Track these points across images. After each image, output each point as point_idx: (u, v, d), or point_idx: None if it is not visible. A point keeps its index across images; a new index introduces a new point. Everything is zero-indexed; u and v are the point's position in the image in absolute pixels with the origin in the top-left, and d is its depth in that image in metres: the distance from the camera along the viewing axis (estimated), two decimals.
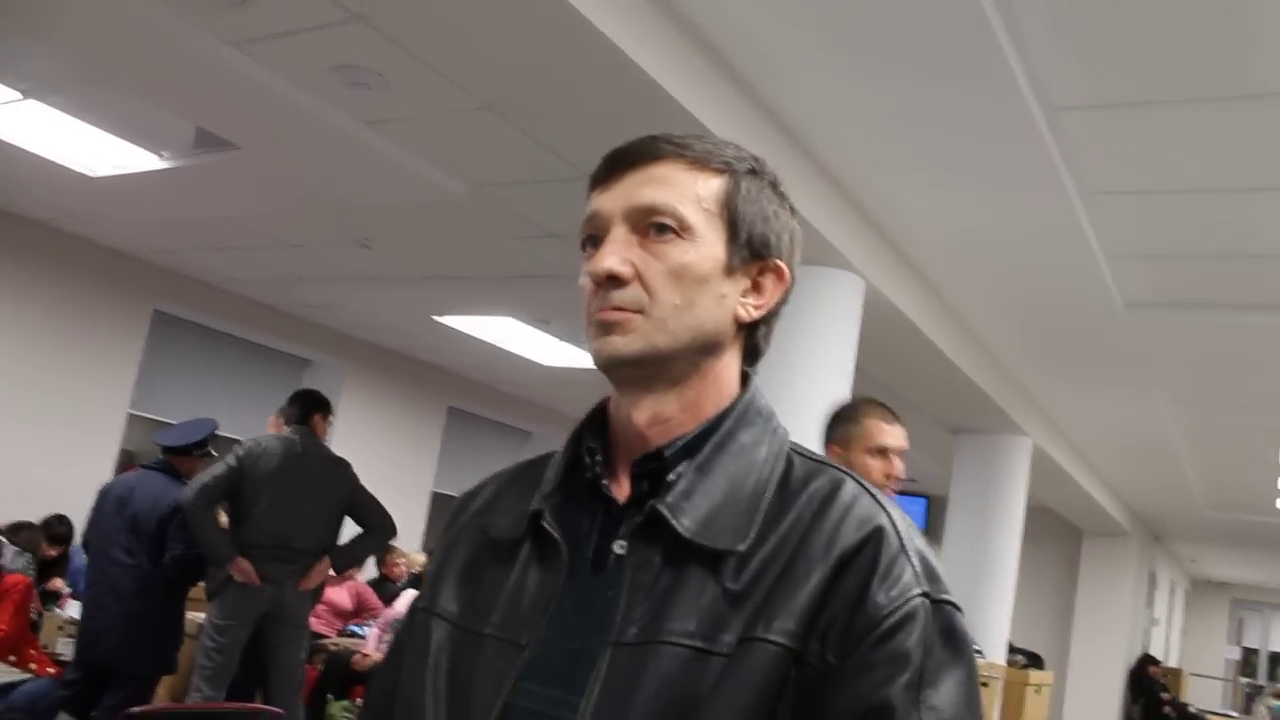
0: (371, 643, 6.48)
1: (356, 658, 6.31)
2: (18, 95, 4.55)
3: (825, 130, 3.78)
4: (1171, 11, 2.85)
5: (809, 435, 4.20)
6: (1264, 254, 4.40)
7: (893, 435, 2.78)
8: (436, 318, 7.62)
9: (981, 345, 6.16)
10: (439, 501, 10.35)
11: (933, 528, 12.94)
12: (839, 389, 4.38)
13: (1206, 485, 9.99)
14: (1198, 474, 9.49)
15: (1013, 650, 8.50)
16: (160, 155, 5.02)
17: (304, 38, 3.51)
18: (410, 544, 9.01)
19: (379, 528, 5.25)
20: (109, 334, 7.26)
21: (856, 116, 3.65)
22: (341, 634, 6.99)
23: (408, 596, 6.70)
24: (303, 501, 4.94)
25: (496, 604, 1.05)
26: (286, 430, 5.13)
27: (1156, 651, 15.23)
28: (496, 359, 8.80)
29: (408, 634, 1.16)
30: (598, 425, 1.11)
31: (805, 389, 4.24)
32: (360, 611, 7.27)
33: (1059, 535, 12.64)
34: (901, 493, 10.56)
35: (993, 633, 7.37)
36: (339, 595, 7.11)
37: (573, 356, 8.34)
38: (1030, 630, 11.61)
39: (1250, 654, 21.46)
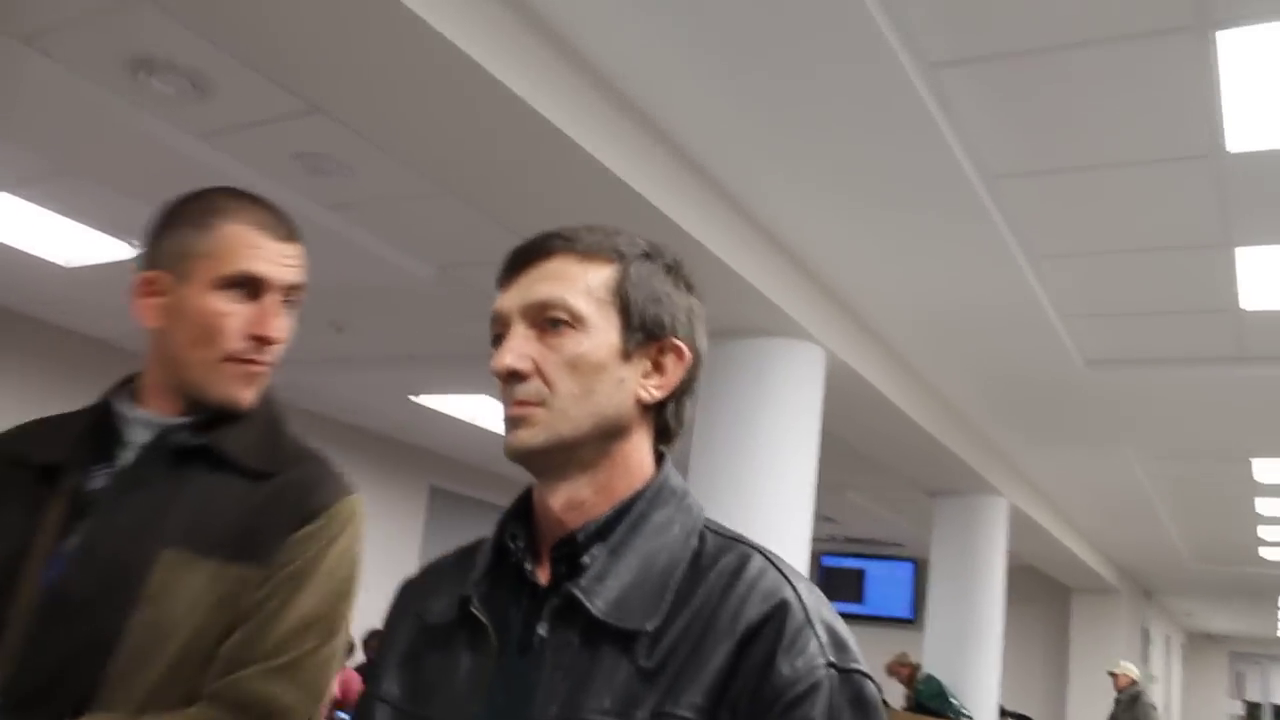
0: None
1: None
2: None
3: (777, 205, 3.88)
4: (1089, 82, 2.97)
5: (773, 505, 4.27)
6: (1211, 309, 4.49)
7: (269, 256, 1.42)
8: (412, 397, 7.67)
9: (950, 408, 6.23)
10: None
11: (920, 591, 12.90)
12: (804, 458, 4.44)
13: (1189, 538, 10.03)
14: (1178, 527, 9.52)
15: (1004, 714, 8.46)
16: (132, 244, 5.10)
17: (265, 128, 3.62)
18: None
19: None
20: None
21: (806, 190, 3.76)
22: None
23: None
24: None
25: (436, 687, 1.10)
26: None
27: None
28: (475, 437, 8.83)
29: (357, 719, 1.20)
30: (523, 512, 1.16)
31: (769, 460, 4.31)
32: (348, 698, 7.21)
33: (1047, 594, 12.60)
34: (889, 557, 10.67)
35: (982, 694, 7.34)
36: None
37: None
38: (1023, 692, 11.53)
39: (1254, 708, 21.26)
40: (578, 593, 1.04)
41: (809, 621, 1.01)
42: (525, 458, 1.09)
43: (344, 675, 7.40)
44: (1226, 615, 17.41)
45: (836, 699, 0.98)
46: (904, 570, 13.43)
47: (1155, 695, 15.59)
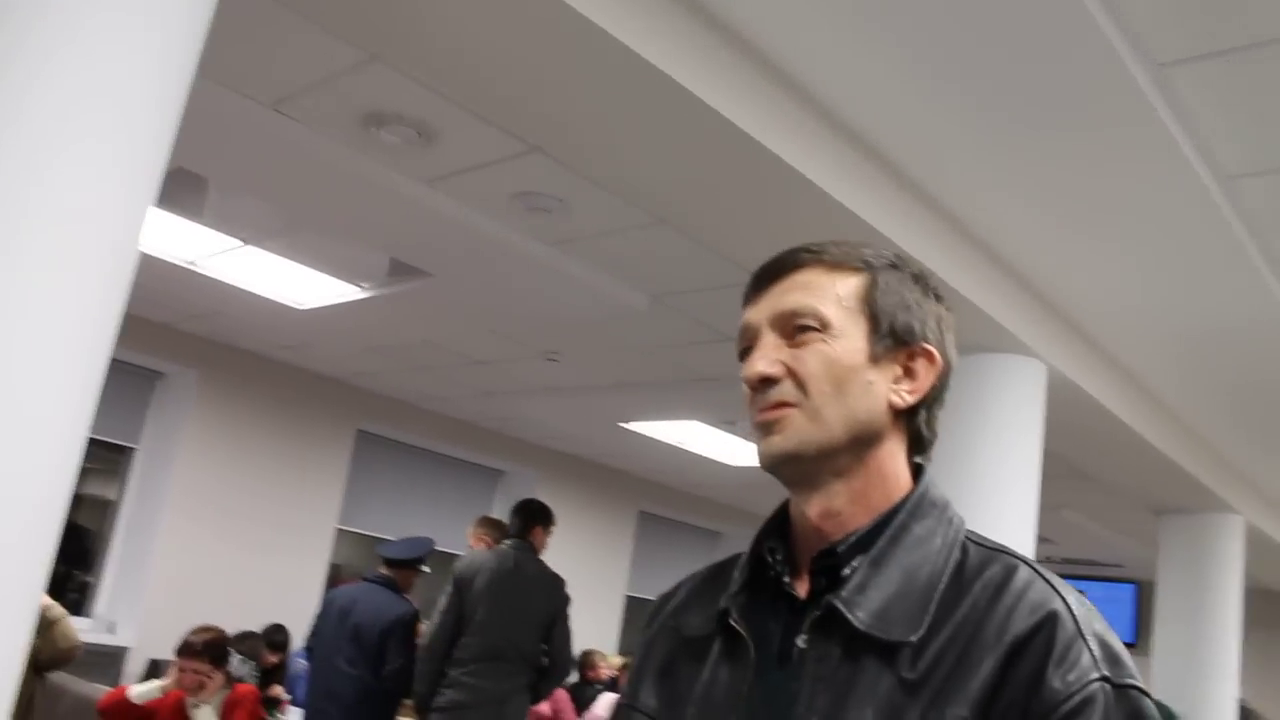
0: None
1: None
2: (239, 243, 5.01)
3: (996, 219, 3.80)
4: None
5: (994, 525, 4.15)
6: None
7: None
8: (623, 424, 7.81)
9: (1179, 422, 5.93)
10: (632, 605, 10.42)
11: (1142, 614, 12.28)
12: (1026, 477, 4.32)
13: None
14: None
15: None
16: (360, 286, 5.40)
17: (486, 171, 3.79)
18: (606, 647, 9.10)
19: (560, 665, 5.28)
20: (317, 454, 7.73)
21: (1026, 201, 3.66)
22: None
23: (606, 700, 6.78)
24: (515, 617, 5.03)
25: (692, 698, 1.13)
26: (506, 544, 5.25)
27: None
28: (683, 461, 8.92)
29: None
30: (779, 525, 1.18)
31: (990, 478, 4.20)
32: (557, 717, 7.37)
33: None
34: (1108, 579, 10.23)
35: None
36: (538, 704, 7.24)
37: (757, 456, 8.36)
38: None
39: None
40: (839, 604, 1.05)
41: (1080, 633, 0.99)
42: (780, 464, 1.10)
43: (554, 695, 7.56)
44: None
45: (1112, 715, 0.95)
46: (1124, 592, 12.83)
47: None
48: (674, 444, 8.27)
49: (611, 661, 8.38)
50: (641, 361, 6.12)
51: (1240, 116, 3.07)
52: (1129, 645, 12.30)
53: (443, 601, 5.06)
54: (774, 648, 1.09)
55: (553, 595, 5.21)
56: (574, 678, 8.27)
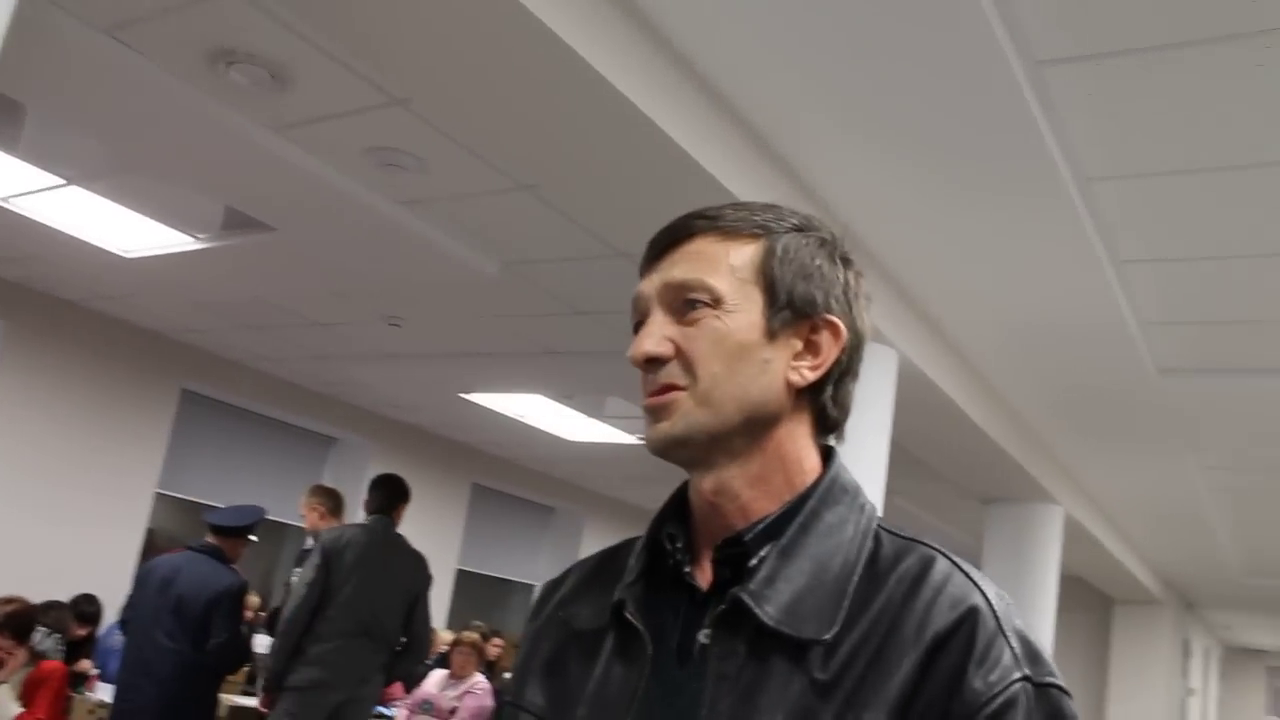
0: None
1: None
2: (61, 182, 4.63)
3: (858, 204, 3.80)
4: (1199, 83, 2.87)
5: None
6: None
7: None
8: (463, 395, 7.63)
9: (1013, 414, 6.13)
10: (463, 579, 10.29)
11: None
12: (876, 464, 4.36)
13: (1241, 551, 9.86)
14: (1232, 540, 9.37)
15: None
16: (194, 236, 5.08)
17: (342, 121, 3.57)
18: (436, 621, 8.93)
19: (418, 646, 5.23)
20: (138, 413, 7.30)
21: (886, 191, 3.67)
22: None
23: (436, 676, 6.63)
24: (383, 594, 4.94)
25: (583, 697, 1.04)
26: (369, 518, 5.13)
27: None
28: (521, 435, 8.81)
29: None
30: (677, 511, 1.09)
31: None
32: (384, 694, 7.18)
33: (1090, 604, 12.45)
34: None
35: None
36: None
37: (596, 431, 8.33)
38: None
39: None
40: (746, 597, 0.96)
41: (1001, 630, 0.93)
42: (668, 449, 1.02)
43: None
44: (1267, 629, 17.18)
45: (1034, 716, 0.90)
46: None
47: (1193, 709, 15.43)
48: (514, 417, 8.14)
49: (442, 636, 8.22)
50: (487, 331, 5.97)
51: (1104, 120, 3.13)
52: None
53: (307, 574, 4.86)
54: (673, 643, 1.01)
55: (417, 573, 5.14)
56: None
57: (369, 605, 4.86)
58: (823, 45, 2.91)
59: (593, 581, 1.14)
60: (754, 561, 0.99)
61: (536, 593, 1.22)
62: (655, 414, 1.02)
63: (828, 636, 0.95)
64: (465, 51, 2.77)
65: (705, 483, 1.03)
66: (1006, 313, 4.64)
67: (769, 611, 0.96)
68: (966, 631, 0.93)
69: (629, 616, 1.03)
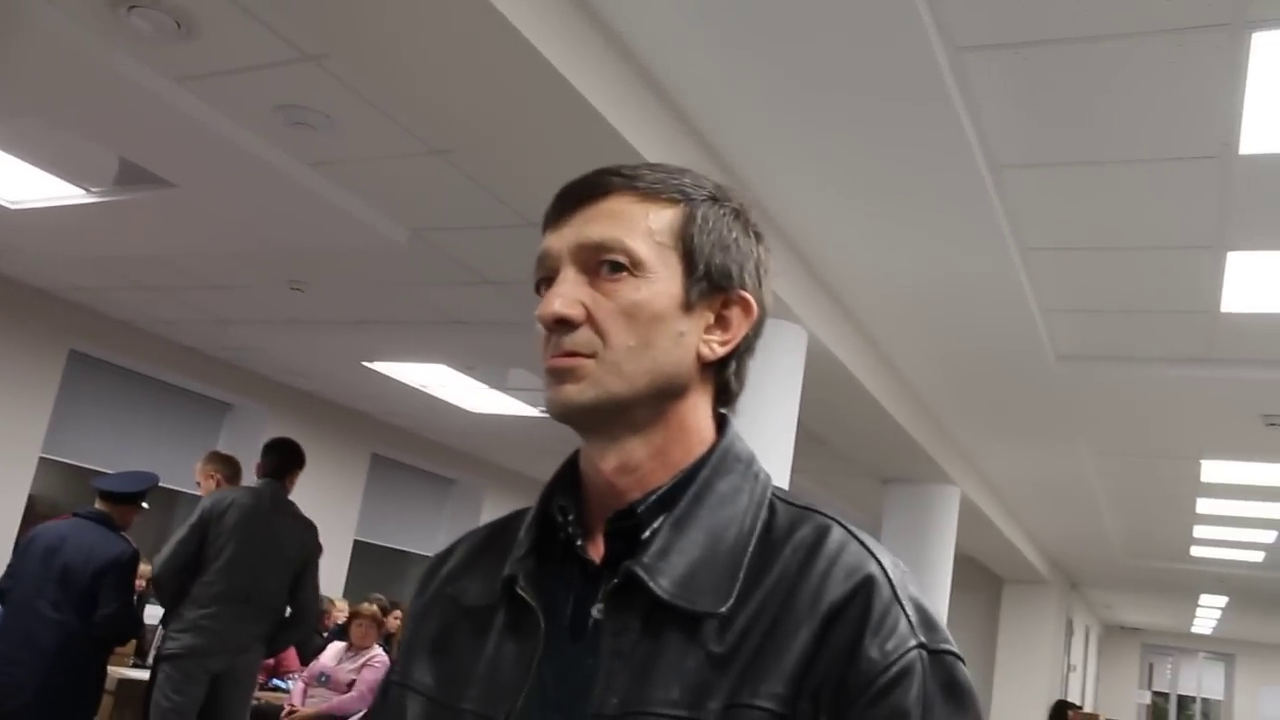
0: (297, 696, 6.29)
1: (284, 714, 6.12)
2: None
3: (771, 181, 3.80)
4: (1112, 76, 2.92)
5: None
6: (1191, 310, 4.51)
7: None
8: (366, 363, 7.50)
9: (915, 395, 6.23)
10: (360, 549, 10.15)
11: None
12: (783, 443, 4.38)
13: (1124, 532, 10.20)
14: (1117, 523, 9.68)
15: None
16: (88, 190, 4.87)
17: (250, 75, 3.46)
18: (333, 592, 8.82)
19: (305, 617, 5.11)
20: (21, 373, 7.00)
21: (802, 167, 3.67)
22: (264, 688, 6.77)
23: (334, 649, 6.52)
24: (266, 559, 4.80)
25: (473, 676, 1.00)
26: (259, 482, 5.00)
27: (1073, 696, 15.44)
28: (422, 405, 8.69)
29: (382, 707, 1.10)
30: (568, 482, 1.06)
31: (751, 443, 4.23)
32: (279, 665, 7.05)
33: (980, 583, 12.79)
34: None
35: None
36: None
37: (498, 403, 8.26)
38: None
39: (1160, 698, 21.91)
40: (639, 571, 0.94)
41: (896, 598, 0.92)
42: (572, 415, 0.98)
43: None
44: (1144, 609, 17.84)
45: (929, 684, 0.90)
46: None
47: (1073, 684, 15.96)
48: (416, 386, 8.03)
49: (340, 608, 8.11)
50: (394, 299, 5.86)
51: (1020, 109, 3.17)
52: None
53: (180, 532, 4.71)
54: (565, 619, 0.98)
55: (306, 540, 5.00)
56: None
57: (249, 571, 4.73)
58: (746, 22, 2.88)
59: (480, 555, 1.10)
60: (646, 534, 0.97)
61: (423, 568, 1.16)
62: (560, 376, 0.97)
63: (723, 609, 0.92)
64: (383, 7, 2.68)
65: (606, 455, 1.00)
66: (913, 295, 4.69)
67: (663, 585, 0.93)
68: (862, 600, 0.91)
69: (520, 592, 0.99)
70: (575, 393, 0.96)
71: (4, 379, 6.90)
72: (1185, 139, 3.22)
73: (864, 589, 0.92)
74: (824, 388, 5.27)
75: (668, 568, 0.94)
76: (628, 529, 0.98)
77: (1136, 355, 5.15)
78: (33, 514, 7.06)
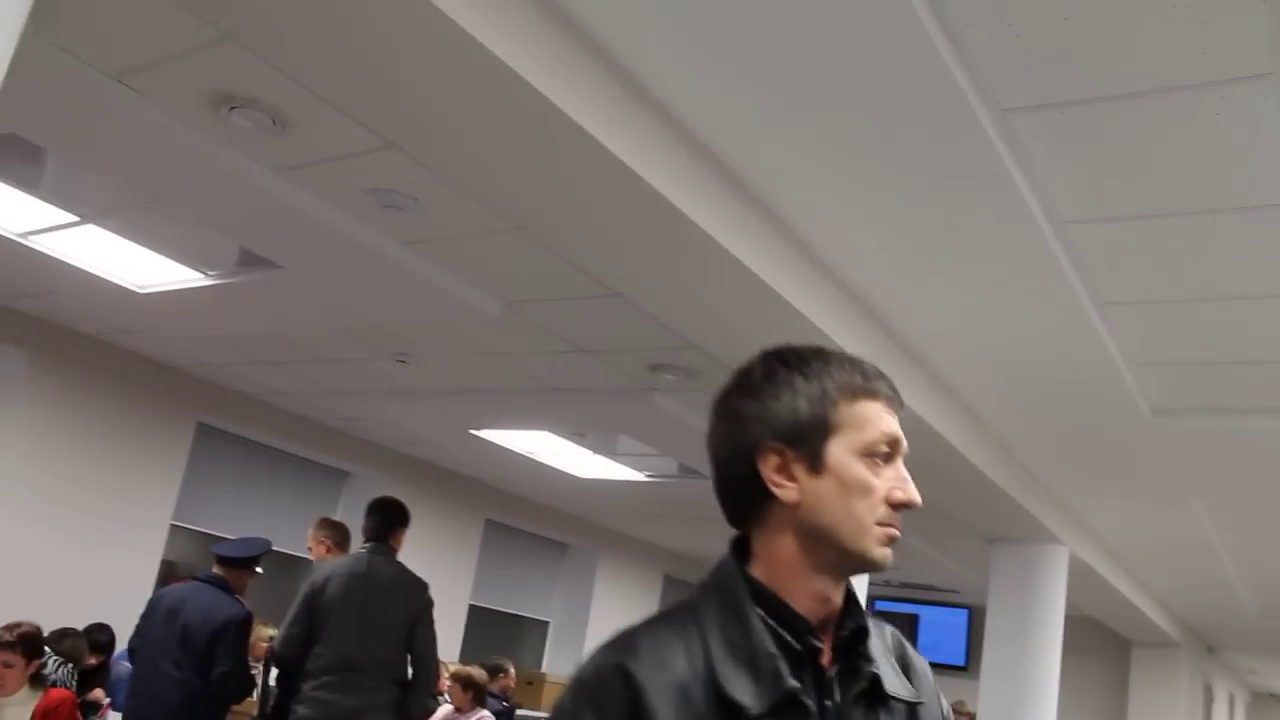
0: None
1: None
2: (76, 219, 4.79)
3: (841, 246, 3.89)
4: (1163, 129, 2.96)
5: None
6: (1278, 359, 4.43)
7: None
8: (473, 431, 7.73)
9: (1011, 455, 6.17)
10: (475, 613, 10.33)
11: (974, 639, 12.71)
12: None
13: (1254, 593, 9.79)
14: (1244, 581, 9.30)
15: None
16: (206, 273, 5.22)
17: (341, 164, 3.70)
18: (449, 655, 8.99)
19: (423, 674, 5.04)
20: (154, 445, 7.43)
21: (872, 234, 3.76)
22: None
23: (441, 712, 6.68)
24: (373, 626, 4.83)
25: None
26: (363, 547, 5.09)
27: None
28: (532, 472, 8.88)
29: None
30: (772, 604, 1.24)
31: None
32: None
33: (1105, 646, 12.35)
34: (944, 604, 10.58)
35: None
36: None
37: (607, 469, 8.39)
38: None
39: None
40: (877, 671, 1.25)
41: None
42: (880, 571, 1.29)
43: None
44: None
45: None
46: (958, 617, 13.26)
47: None
48: (523, 453, 8.22)
49: (452, 670, 8.26)
50: (493, 368, 6.07)
51: (1075, 165, 3.21)
52: (961, 669, 12.73)
53: (291, 612, 4.91)
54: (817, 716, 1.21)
55: (413, 599, 4.99)
56: None
57: (355, 640, 4.80)
58: (804, 108, 3.01)
59: (678, 658, 1.19)
60: (868, 644, 1.27)
61: (603, 662, 1.20)
62: (891, 543, 1.26)
63: (922, 700, 1.31)
64: (450, 98, 2.89)
65: (841, 588, 1.28)
66: (995, 355, 4.70)
67: (890, 683, 1.26)
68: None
69: (805, 699, 1.19)
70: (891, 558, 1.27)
71: (139, 451, 7.32)
72: (1250, 188, 3.21)
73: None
74: (913, 450, 5.27)
75: (884, 669, 1.27)
76: (856, 639, 1.27)
77: (1234, 407, 5.04)
78: (172, 578, 7.44)
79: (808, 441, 1.24)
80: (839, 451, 1.25)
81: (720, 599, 1.23)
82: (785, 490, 1.24)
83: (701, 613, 1.22)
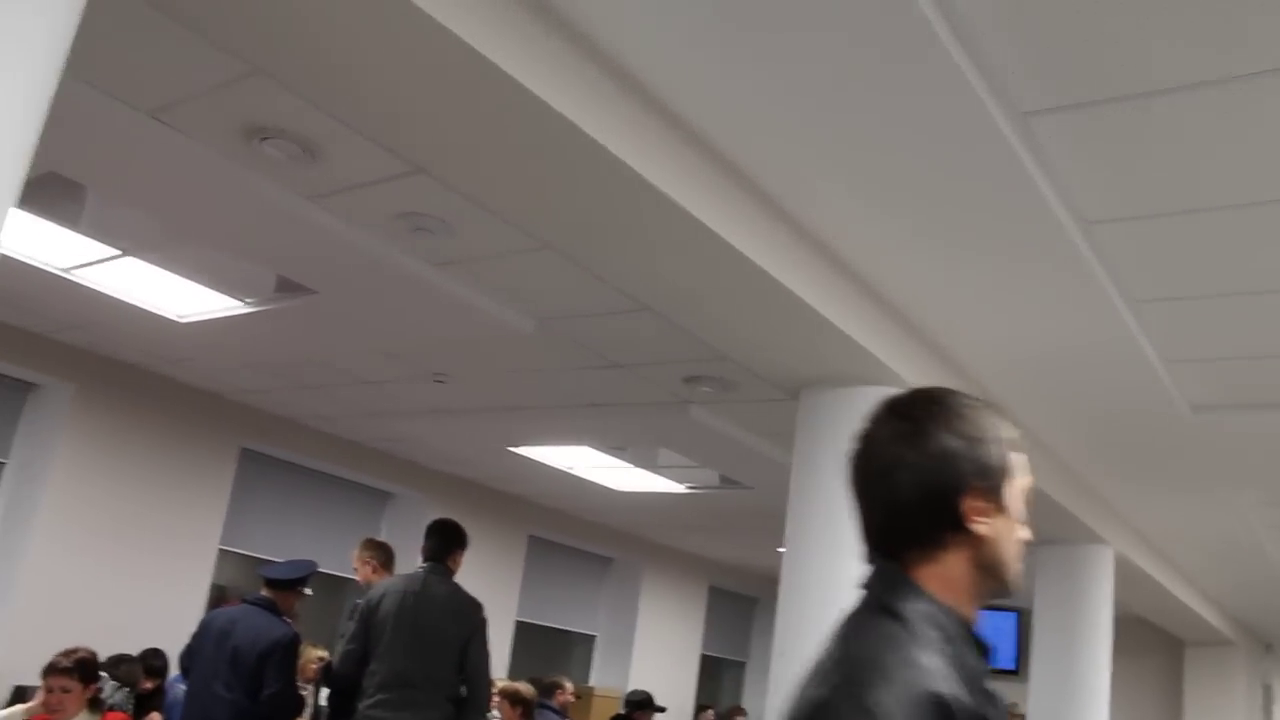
0: None
1: None
2: (117, 253, 4.90)
3: (868, 252, 3.91)
4: (1186, 126, 2.95)
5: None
6: None
7: None
8: (512, 448, 7.79)
9: (1050, 456, 6.13)
10: (522, 630, 10.38)
11: (1023, 642, 12.59)
12: None
13: None
14: None
15: None
16: (243, 301, 5.31)
17: (370, 189, 3.78)
18: (498, 672, 9.03)
19: (476, 694, 5.03)
20: (200, 472, 7.56)
21: (897, 237, 3.77)
22: None
23: None
24: (426, 644, 4.86)
25: None
26: (420, 566, 5.14)
27: None
28: (573, 486, 8.93)
29: None
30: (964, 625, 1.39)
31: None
32: None
33: (1159, 646, 12.20)
34: (991, 607, 10.50)
35: None
36: None
37: (647, 482, 8.42)
38: None
39: None
40: None
41: None
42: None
43: None
44: None
45: None
46: (1007, 621, 13.14)
47: None
48: (563, 469, 8.27)
49: (500, 687, 8.30)
50: (529, 385, 6.13)
51: (1098, 165, 3.20)
52: (1011, 672, 12.62)
53: (348, 629, 4.96)
54: None
55: (466, 618, 5.02)
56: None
57: (409, 657, 4.83)
58: (825, 118, 3.03)
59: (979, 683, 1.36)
60: None
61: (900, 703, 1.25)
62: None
63: None
64: (475, 124, 2.94)
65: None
66: (1029, 357, 4.69)
67: None
68: None
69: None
70: None
71: (186, 477, 7.45)
72: (1276, 181, 3.20)
73: None
74: None
75: None
76: None
77: (1274, 402, 4.99)
78: (222, 601, 7.55)
79: (998, 483, 1.39)
80: (1012, 494, 1.40)
81: (936, 626, 1.32)
82: (981, 526, 1.37)
83: (929, 636, 1.30)
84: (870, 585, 1.39)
